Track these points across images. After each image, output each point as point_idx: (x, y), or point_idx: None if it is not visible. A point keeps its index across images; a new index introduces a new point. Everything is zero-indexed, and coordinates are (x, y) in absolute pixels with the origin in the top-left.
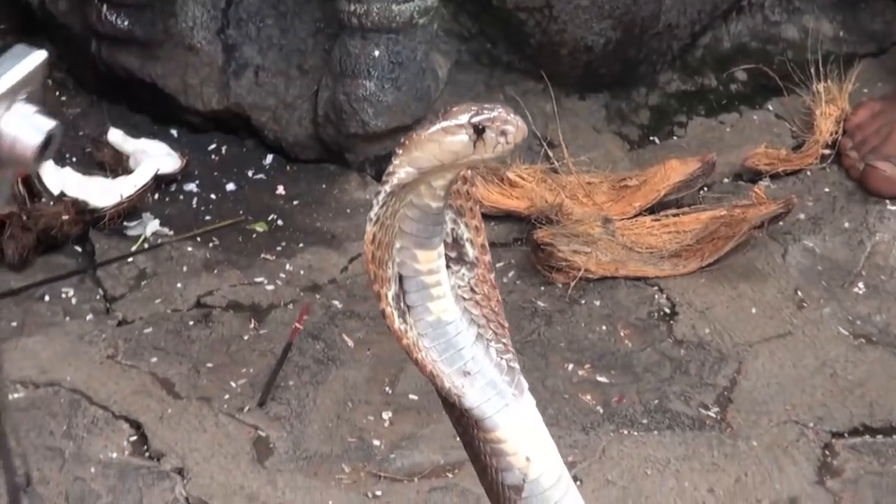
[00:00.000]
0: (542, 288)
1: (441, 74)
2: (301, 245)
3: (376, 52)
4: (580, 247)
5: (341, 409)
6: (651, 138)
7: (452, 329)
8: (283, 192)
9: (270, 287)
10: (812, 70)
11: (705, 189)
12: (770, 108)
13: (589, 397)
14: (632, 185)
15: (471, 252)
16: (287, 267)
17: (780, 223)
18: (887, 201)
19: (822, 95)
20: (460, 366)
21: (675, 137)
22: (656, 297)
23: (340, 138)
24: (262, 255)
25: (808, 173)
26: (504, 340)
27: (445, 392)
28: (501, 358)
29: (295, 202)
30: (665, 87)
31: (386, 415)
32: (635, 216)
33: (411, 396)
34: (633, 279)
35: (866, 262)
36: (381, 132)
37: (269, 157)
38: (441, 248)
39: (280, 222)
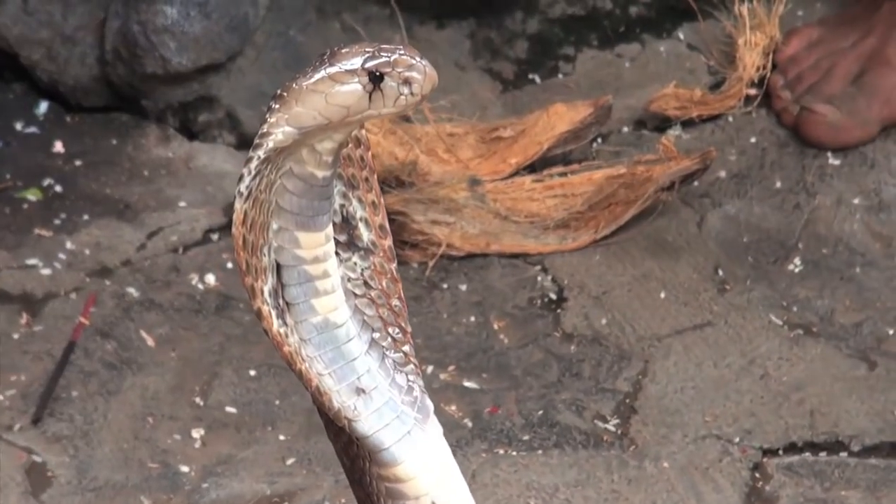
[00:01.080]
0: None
1: None
2: (86, 217)
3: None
4: (441, 216)
5: (139, 426)
6: (530, 77)
7: (343, 333)
8: (62, 150)
9: (47, 271)
10: None
11: (599, 141)
12: (680, 36)
13: (454, 407)
14: (506, 136)
15: (365, 235)
16: (68, 245)
17: (695, 183)
18: (829, 153)
19: (747, 20)
20: (353, 381)
21: (560, 75)
22: (539, 278)
23: (134, 80)
24: (36, 231)
25: (730, 119)
26: (405, 349)
27: (334, 413)
28: (402, 372)
29: (77, 162)
30: (547, 10)
31: (196, 433)
32: (511, 176)
33: (228, 409)
34: (509, 256)
35: (804, 232)
36: (187, 71)
37: (44, 106)
38: (329, 230)
39: (58, 188)
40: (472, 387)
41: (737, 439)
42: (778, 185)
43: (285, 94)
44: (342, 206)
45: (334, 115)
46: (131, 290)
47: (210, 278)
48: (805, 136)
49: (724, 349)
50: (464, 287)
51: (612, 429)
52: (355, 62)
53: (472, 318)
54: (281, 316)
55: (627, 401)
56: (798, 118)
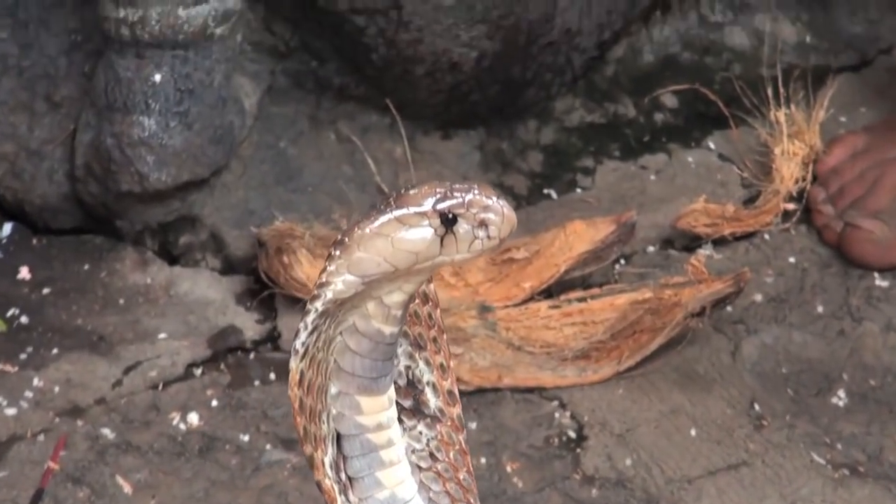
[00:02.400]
0: None
1: (248, 106)
2: (55, 351)
3: (157, 76)
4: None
5: None
6: (545, 191)
7: None
8: (29, 277)
9: (11, 411)
10: (769, 91)
11: (622, 262)
12: (711, 145)
13: None
14: (519, 258)
15: (433, 401)
16: (35, 382)
17: (729, 308)
18: (876, 274)
19: (784, 127)
20: None
21: (578, 189)
22: (556, 415)
23: (108, 199)
24: (0, 367)
25: (767, 237)
26: None
27: None
28: None
29: (45, 290)
30: (564, 118)
31: None
32: (525, 302)
33: None
34: (523, 391)
35: (849, 362)
36: (166, 189)
37: (7, 227)
38: (392, 392)
39: (24, 319)
40: None
41: None
42: (820, 309)
43: (347, 238)
44: (408, 367)
45: (402, 261)
46: (106, 432)
47: (193, 417)
48: (850, 255)
49: (762, 491)
50: (473, 425)
51: None
52: (426, 204)
53: (483, 460)
54: (344, 492)
55: None
56: (842, 235)
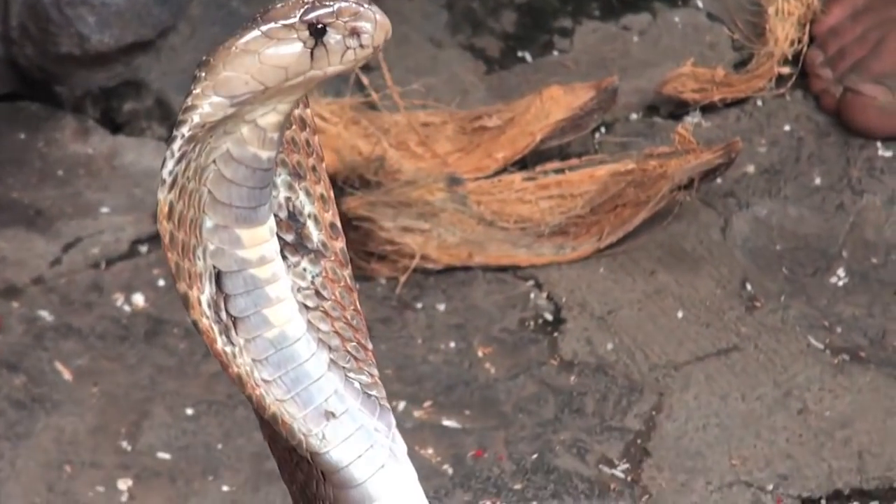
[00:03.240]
0: (357, 285)
1: None
2: None
3: None
4: (414, 223)
5: (55, 475)
6: (519, 54)
7: (303, 348)
8: None
9: None
10: None
11: (603, 130)
12: (699, 4)
13: (431, 451)
14: (491, 126)
15: (315, 235)
16: None
17: (719, 180)
18: (879, 144)
19: None
20: (319, 404)
21: (555, 52)
22: (532, 296)
23: (46, 62)
24: None
25: (759, 103)
26: (369, 370)
27: (297, 443)
28: (370, 396)
29: None
30: None
31: (123, 483)
32: (498, 174)
33: (161, 455)
34: (495, 269)
35: (849, 238)
36: (108, 51)
37: None
38: (272, 223)
39: None
40: (453, 426)
41: (770, 486)
42: (817, 181)
43: (213, 58)
44: (288, 198)
45: (271, 78)
46: (44, 314)
47: (138, 299)
48: (850, 123)
49: (755, 378)
50: (442, 307)
51: (621, 475)
52: (293, 16)
53: (453, 344)
54: (226, 332)
55: (639, 441)
56: (841, 101)
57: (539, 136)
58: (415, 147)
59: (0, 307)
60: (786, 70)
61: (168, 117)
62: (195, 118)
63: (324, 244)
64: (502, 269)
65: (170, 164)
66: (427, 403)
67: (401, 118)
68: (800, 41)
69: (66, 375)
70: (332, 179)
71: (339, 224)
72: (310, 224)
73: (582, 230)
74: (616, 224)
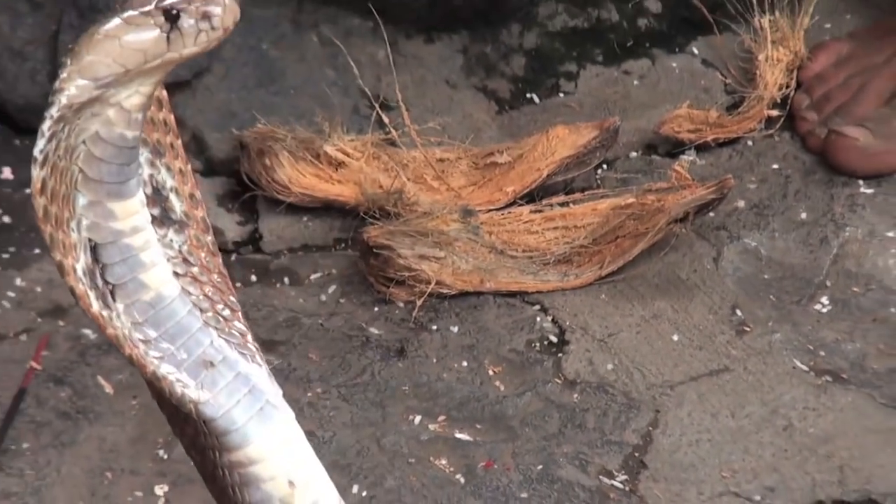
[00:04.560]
0: (377, 309)
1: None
2: (37, 251)
3: None
4: (430, 251)
5: (97, 481)
6: (528, 96)
7: (179, 306)
8: (11, 177)
9: None
10: None
11: (604, 167)
12: (695, 51)
13: (444, 461)
14: (502, 162)
15: (178, 206)
16: (17, 282)
17: (711, 214)
18: (860, 182)
19: (768, 33)
20: (198, 355)
21: (561, 94)
22: (538, 319)
23: None
24: None
25: (750, 143)
26: (239, 326)
27: (178, 398)
28: (240, 348)
29: (28, 190)
30: (547, 23)
31: (160, 489)
32: (507, 206)
33: None
34: (505, 295)
35: (832, 269)
36: None
37: None
38: (141, 195)
39: (6, 219)
40: (465, 439)
41: (758, 497)
42: (803, 216)
43: (76, 46)
44: (151, 175)
45: (131, 61)
46: (87, 332)
47: None
48: (833, 163)
49: (744, 398)
50: (455, 329)
51: (620, 485)
52: (148, 3)
53: (465, 364)
54: (102, 298)
55: (636, 454)
56: (825, 142)
57: (546, 171)
58: (431, 181)
59: (47, 326)
60: (774, 112)
61: (203, 151)
62: (63, 100)
63: (186, 214)
64: (511, 294)
65: (41, 144)
66: (441, 418)
67: (418, 154)
68: (787, 86)
69: (108, 389)
70: (355, 210)
71: (198, 195)
72: (172, 197)
73: (584, 259)
74: (616, 254)
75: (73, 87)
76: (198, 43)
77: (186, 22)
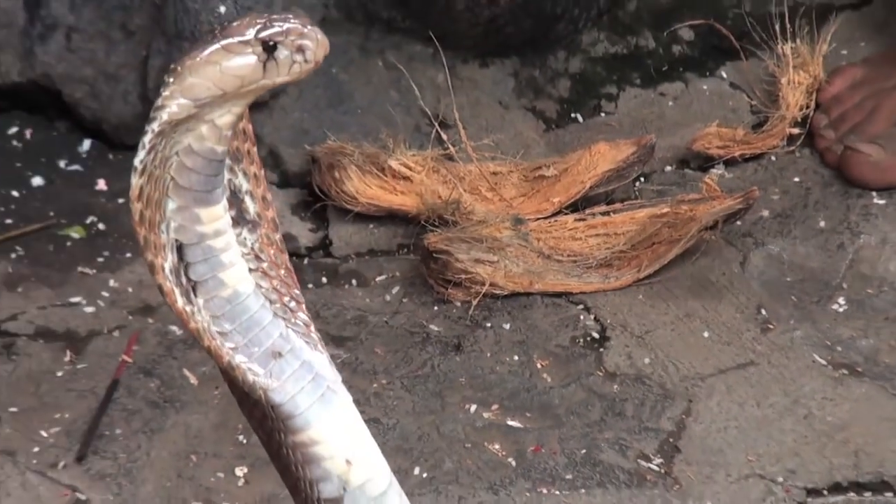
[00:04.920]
0: (437, 308)
1: None
2: (129, 255)
3: (222, 8)
4: (484, 255)
5: (182, 464)
6: (573, 115)
7: (253, 302)
8: (105, 188)
9: (90, 309)
10: (777, 26)
11: (642, 180)
12: (723, 75)
13: (497, 446)
14: (549, 175)
15: (252, 207)
16: (111, 283)
17: (738, 223)
18: (874, 193)
19: (790, 59)
20: (267, 347)
21: (602, 114)
22: (582, 317)
23: None
24: (80, 269)
25: (773, 158)
26: (303, 317)
27: (249, 387)
28: (305, 338)
29: (120, 200)
30: (590, 49)
31: (240, 471)
32: (554, 215)
33: None
34: (551, 295)
35: (848, 272)
36: None
37: (87, 144)
38: (225, 201)
39: (101, 226)
40: (516, 426)
41: (780, 479)
42: (822, 224)
43: (179, 67)
44: (229, 179)
45: (229, 85)
46: (174, 329)
47: None
48: (849, 176)
49: (768, 389)
50: (507, 326)
51: (656, 468)
52: (248, 33)
53: (516, 357)
54: (186, 294)
55: (671, 440)
56: (842, 158)
57: (588, 184)
58: (485, 192)
59: (137, 323)
60: (795, 131)
61: (278, 165)
62: (164, 116)
63: (258, 215)
64: (557, 294)
65: (141, 155)
66: (494, 407)
67: (473, 168)
68: (807, 107)
69: (193, 380)
70: (416, 218)
71: (269, 197)
72: (247, 199)
73: (624, 263)
74: (652, 258)
75: (174, 105)
76: (291, 73)
77: (282, 53)
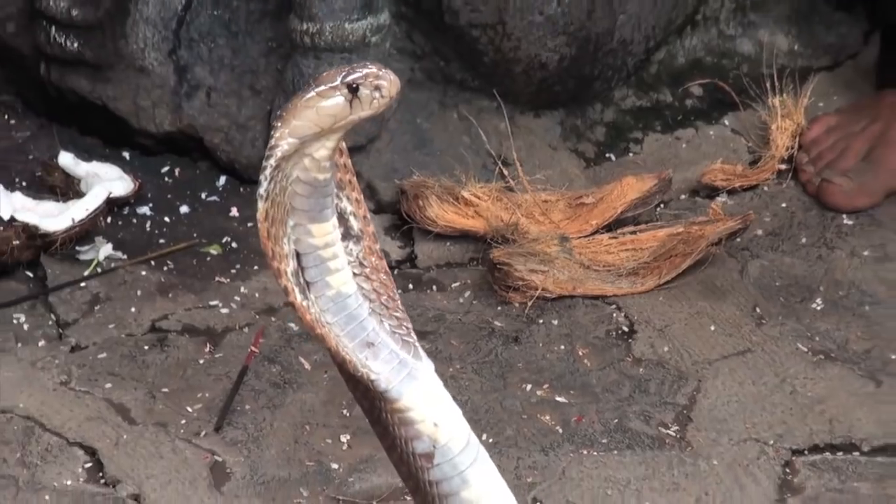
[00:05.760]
0: (499, 308)
1: None
2: (255, 267)
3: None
4: (537, 266)
5: (299, 432)
6: (607, 155)
7: (352, 301)
8: (237, 214)
9: (225, 310)
10: (767, 84)
11: (662, 206)
12: (726, 123)
13: (548, 417)
14: (588, 202)
15: (355, 225)
16: (242, 290)
17: (738, 239)
18: (844, 216)
19: (778, 110)
20: (363, 337)
21: (630, 154)
22: (614, 315)
23: None
24: (217, 278)
25: (765, 189)
26: (397, 314)
27: (353, 366)
28: (398, 329)
29: (249, 224)
30: (620, 103)
31: (344, 438)
32: (592, 234)
33: None
34: (590, 298)
35: (824, 278)
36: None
37: (223, 179)
38: (335, 220)
39: (234, 245)
40: (562, 401)
41: (771, 442)
42: (804, 241)
43: (285, 113)
44: (336, 203)
45: (325, 122)
46: (292, 325)
47: None
48: (825, 202)
49: (761, 371)
50: (555, 322)
51: (673, 434)
52: (336, 80)
53: (562, 347)
54: (303, 292)
55: (685, 412)
56: (819, 188)
57: (620, 209)
58: (538, 216)
59: (263, 321)
60: (783, 167)
61: (374, 195)
62: (278, 153)
63: (361, 230)
64: (595, 297)
65: (264, 185)
66: (545, 386)
67: (528, 197)
68: (792, 148)
69: (307, 366)
70: (483, 238)
71: (368, 216)
72: (351, 219)
73: (648, 272)
74: (670, 268)
75: (284, 144)
76: (372, 107)
77: (364, 92)
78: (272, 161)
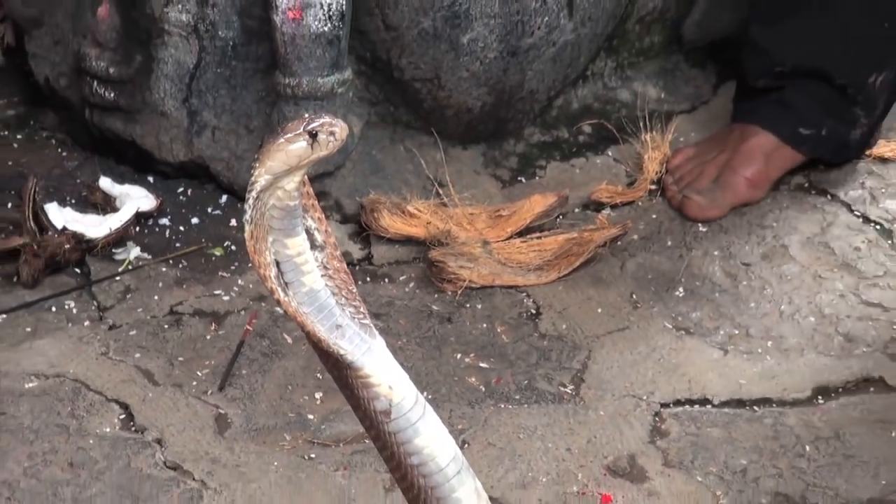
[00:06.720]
0: (436, 295)
1: (356, 132)
2: (250, 265)
3: (307, 115)
4: (465, 263)
5: (283, 391)
6: (519, 178)
7: (322, 295)
8: (235, 224)
9: (227, 298)
10: (641, 124)
11: (561, 217)
12: (610, 154)
13: (474, 380)
14: (504, 214)
15: (319, 237)
16: (239, 282)
17: (619, 243)
18: (699, 224)
19: (649, 144)
20: (332, 322)
21: (537, 178)
22: (525, 301)
23: None
24: (220, 273)
25: (640, 204)
26: (355, 303)
27: (325, 345)
28: (358, 315)
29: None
30: (529, 138)
31: (318, 395)
32: (507, 239)
33: None
34: (506, 288)
35: (685, 272)
36: (310, 177)
37: (224, 198)
38: (304, 235)
39: (233, 248)
40: (485, 366)
41: (644, 397)
42: (669, 243)
43: (261, 156)
44: (304, 222)
45: (293, 162)
46: (278, 309)
47: None
48: (685, 214)
49: (636, 343)
50: (479, 306)
51: (570, 391)
52: (300, 128)
53: (484, 325)
54: (284, 290)
55: (579, 374)
56: (681, 203)
57: (529, 220)
58: (465, 225)
59: (256, 306)
60: (653, 187)
61: (340, 209)
62: (257, 187)
63: (324, 241)
64: (510, 287)
65: (248, 212)
66: (472, 355)
67: (458, 210)
68: (660, 172)
69: (289, 340)
70: (424, 242)
71: (329, 229)
72: (315, 233)
73: (550, 267)
74: (567, 265)
75: (262, 180)
76: (328, 148)
77: (321, 137)
78: (253, 193)
